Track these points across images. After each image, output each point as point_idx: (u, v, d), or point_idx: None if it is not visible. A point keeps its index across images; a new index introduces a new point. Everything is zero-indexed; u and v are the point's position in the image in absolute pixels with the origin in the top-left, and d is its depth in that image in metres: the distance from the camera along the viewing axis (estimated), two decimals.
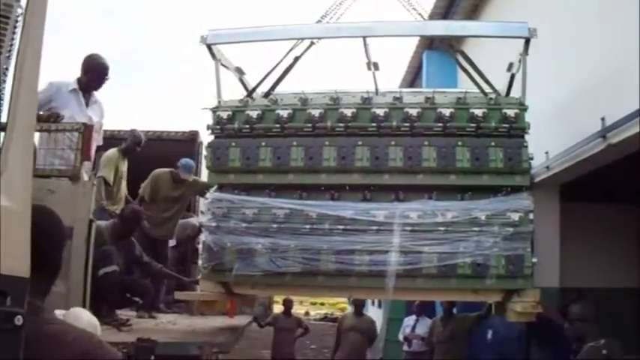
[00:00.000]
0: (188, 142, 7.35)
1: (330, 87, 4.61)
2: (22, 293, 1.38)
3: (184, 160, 6.22)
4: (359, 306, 7.55)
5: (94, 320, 2.46)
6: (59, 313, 2.39)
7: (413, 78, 11.56)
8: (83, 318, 2.38)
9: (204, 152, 7.49)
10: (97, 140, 4.84)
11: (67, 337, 1.46)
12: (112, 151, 5.72)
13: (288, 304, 8.31)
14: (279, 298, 10.91)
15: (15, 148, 1.47)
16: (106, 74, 4.87)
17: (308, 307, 26.62)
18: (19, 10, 1.62)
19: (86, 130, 3.86)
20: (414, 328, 7.42)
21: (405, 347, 7.50)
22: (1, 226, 1.36)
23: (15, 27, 1.62)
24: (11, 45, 1.61)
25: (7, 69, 1.61)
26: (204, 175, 7.61)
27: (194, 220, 6.84)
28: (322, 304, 30.91)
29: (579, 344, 3.36)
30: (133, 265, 5.04)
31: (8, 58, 1.60)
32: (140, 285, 4.87)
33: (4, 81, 1.63)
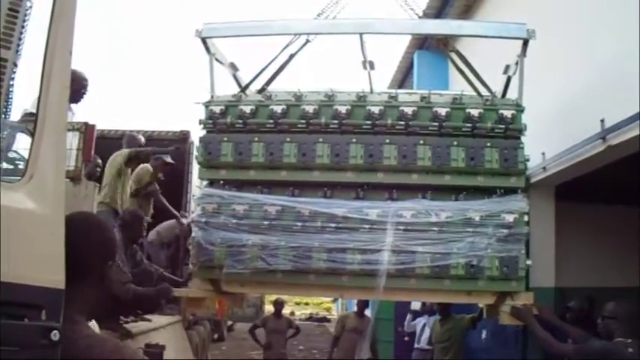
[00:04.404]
0: (179, 141, 7.24)
1: (323, 86, 4.55)
2: (58, 306, 1.29)
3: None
4: (362, 307, 7.52)
5: None
6: None
7: (403, 78, 11.50)
8: None
9: (195, 152, 7.51)
10: None
11: (93, 351, 1.36)
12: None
13: (278, 306, 8.23)
14: (268, 299, 10.79)
15: (46, 149, 1.39)
16: (86, 88, 4.76)
17: (293, 307, 26.53)
18: (28, 4, 1.55)
19: (87, 130, 3.74)
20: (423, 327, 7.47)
21: (415, 344, 7.53)
22: (31, 232, 1.27)
23: (24, 21, 1.55)
24: (20, 39, 1.54)
25: (15, 64, 1.53)
26: (195, 174, 7.57)
27: (184, 220, 6.76)
28: (307, 303, 30.89)
29: (607, 340, 3.37)
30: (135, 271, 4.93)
31: (17, 52, 1.52)
32: (150, 299, 4.72)
33: (13, 78, 1.55)
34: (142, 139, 5.79)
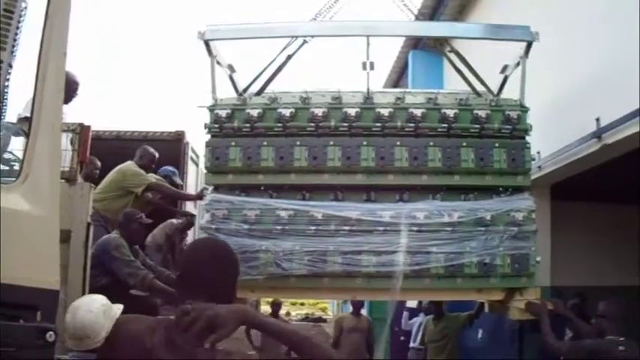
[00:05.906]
0: (174, 142, 7.14)
1: (321, 87, 4.53)
2: (53, 307, 1.29)
3: (170, 170, 6.17)
4: (358, 307, 7.52)
5: (107, 301, 2.33)
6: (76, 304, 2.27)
7: (398, 78, 11.55)
8: (96, 301, 2.25)
9: (190, 152, 7.42)
10: None
11: None
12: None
13: (275, 307, 8.18)
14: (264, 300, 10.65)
15: (41, 150, 1.38)
16: (77, 90, 4.67)
17: (289, 308, 26.30)
18: (23, 5, 1.52)
19: (83, 130, 3.65)
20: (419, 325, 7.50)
21: (411, 343, 7.56)
22: (26, 234, 1.26)
23: (19, 22, 1.51)
24: (15, 40, 1.50)
25: (10, 65, 1.50)
26: (190, 175, 7.49)
27: (173, 220, 6.67)
28: (302, 304, 30.66)
29: (600, 338, 3.48)
30: None
31: (12, 53, 1.49)
32: (167, 294, 4.61)
33: (9, 79, 1.52)
34: (156, 155, 5.69)
